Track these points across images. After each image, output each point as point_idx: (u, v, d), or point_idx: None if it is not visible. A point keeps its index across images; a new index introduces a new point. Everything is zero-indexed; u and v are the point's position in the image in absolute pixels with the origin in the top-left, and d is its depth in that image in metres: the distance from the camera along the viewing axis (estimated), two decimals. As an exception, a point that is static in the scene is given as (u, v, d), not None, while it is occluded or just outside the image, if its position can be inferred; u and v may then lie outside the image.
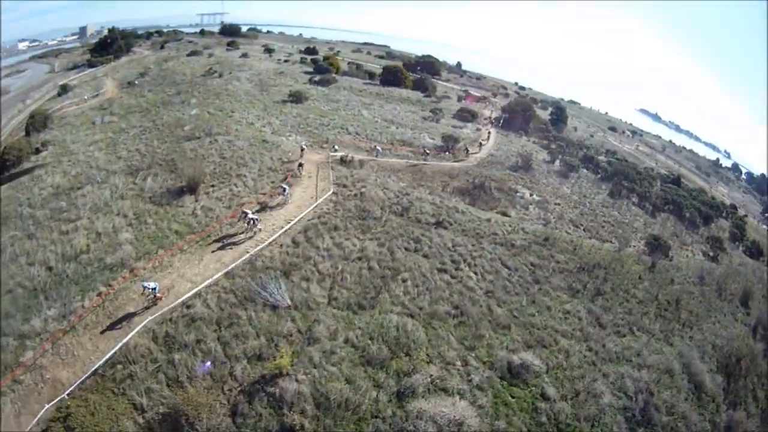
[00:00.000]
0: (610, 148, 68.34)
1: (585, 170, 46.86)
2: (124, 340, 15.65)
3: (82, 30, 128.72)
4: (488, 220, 27.57)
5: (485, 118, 58.66)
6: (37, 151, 34.15)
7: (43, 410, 13.45)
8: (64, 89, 55.35)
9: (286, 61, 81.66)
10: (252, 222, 22.09)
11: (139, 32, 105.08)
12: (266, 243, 21.63)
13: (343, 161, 33.58)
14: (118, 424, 12.95)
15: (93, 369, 14.72)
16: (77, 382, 14.33)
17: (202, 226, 23.11)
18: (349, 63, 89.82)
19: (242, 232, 22.33)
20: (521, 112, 61.41)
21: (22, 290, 19.39)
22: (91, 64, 71.33)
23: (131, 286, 18.80)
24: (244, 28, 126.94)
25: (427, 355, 15.24)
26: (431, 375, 14.04)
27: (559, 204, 35.64)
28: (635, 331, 19.50)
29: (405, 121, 50.38)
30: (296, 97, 50.67)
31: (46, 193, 28.50)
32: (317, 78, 63.98)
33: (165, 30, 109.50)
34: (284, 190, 25.73)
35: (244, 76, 61.53)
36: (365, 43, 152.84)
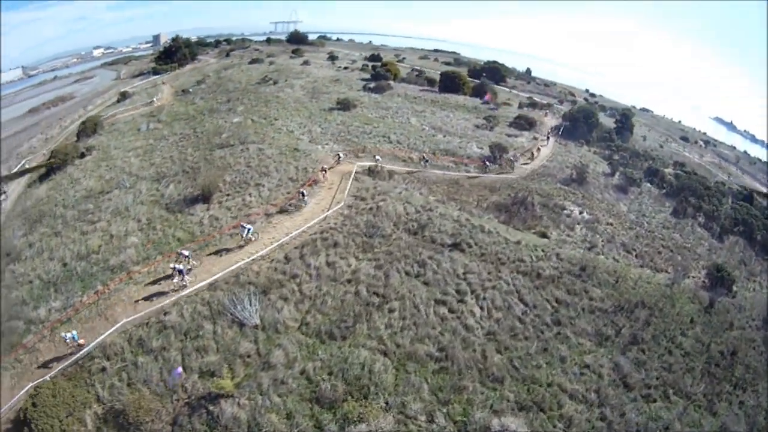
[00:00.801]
0: (679, 160, 63.18)
1: (648, 184, 42.95)
2: (102, 337, 17.15)
3: (156, 38, 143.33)
4: (517, 242, 25.35)
5: (547, 131, 55.70)
6: (82, 155, 38.13)
7: (28, 386, 15.62)
8: (123, 96, 62.00)
9: (346, 68, 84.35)
10: (179, 273, 19.90)
11: (209, 40, 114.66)
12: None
13: (371, 172, 33.21)
14: (74, 410, 14.30)
15: (74, 359, 16.51)
16: (60, 368, 16.27)
17: (204, 235, 24.03)
18: (412, 70, 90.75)
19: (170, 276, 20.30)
20: (583, 119, 57.92)
21: (39, 282, 22.24)
22: (155, 72, 79.23)
23: (124, 288, 20.32)
24: (313, 36, 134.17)
25: (387, 402, 14.10)
26: (382, 427, 12.87)
27: (611, 224, 32.47)
28: (671, 394, 16.57)
29: (455, 130, 49.30)
30: (344, 105, 51.72)
31: (79, 195, 31.69)
32: (372, 85, 65.08)
33: (234, 38, 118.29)
34: (246, 230, 22.81)
35: (299, 84, 64.43)
36: (435, 50, 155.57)
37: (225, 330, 16.86)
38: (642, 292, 22.53)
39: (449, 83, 70.10)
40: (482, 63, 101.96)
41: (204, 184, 28.06)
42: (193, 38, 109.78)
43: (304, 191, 28.02)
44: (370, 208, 26.88)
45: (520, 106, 68.97)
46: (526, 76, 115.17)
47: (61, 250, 24.69)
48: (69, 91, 78.41)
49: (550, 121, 61.80)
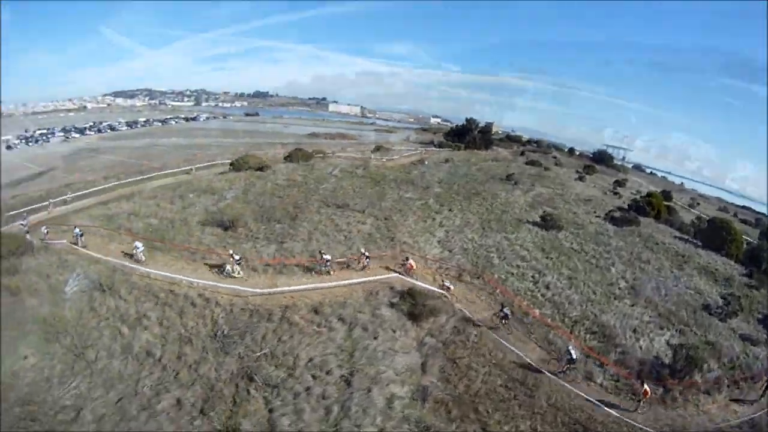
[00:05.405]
0: None
1: None
2: None
3: (488, 124, 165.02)
4: None
5: None
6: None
7: None
8: (377, 149, 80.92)
9: (616, 194, 78.81)
10: None
11: (525, 138, 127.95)
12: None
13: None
14: None
15: None
16: None
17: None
18: (700, 215, 78.31)
19: None
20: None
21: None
22: (440, 145, 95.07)
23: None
24: (628, 165, 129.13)
25: None
26: None
27: None
28: None
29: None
30: (546, 222, 48.12)
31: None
32: (617, 214, 58.21)
33: (547, 143, 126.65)
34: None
35: (538, 191, 64.16)
36: (744, 207, 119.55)
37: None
38: None
39: (714, 236, 55.41)
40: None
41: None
42: (508, 131, 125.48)
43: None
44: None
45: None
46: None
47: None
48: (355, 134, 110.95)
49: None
